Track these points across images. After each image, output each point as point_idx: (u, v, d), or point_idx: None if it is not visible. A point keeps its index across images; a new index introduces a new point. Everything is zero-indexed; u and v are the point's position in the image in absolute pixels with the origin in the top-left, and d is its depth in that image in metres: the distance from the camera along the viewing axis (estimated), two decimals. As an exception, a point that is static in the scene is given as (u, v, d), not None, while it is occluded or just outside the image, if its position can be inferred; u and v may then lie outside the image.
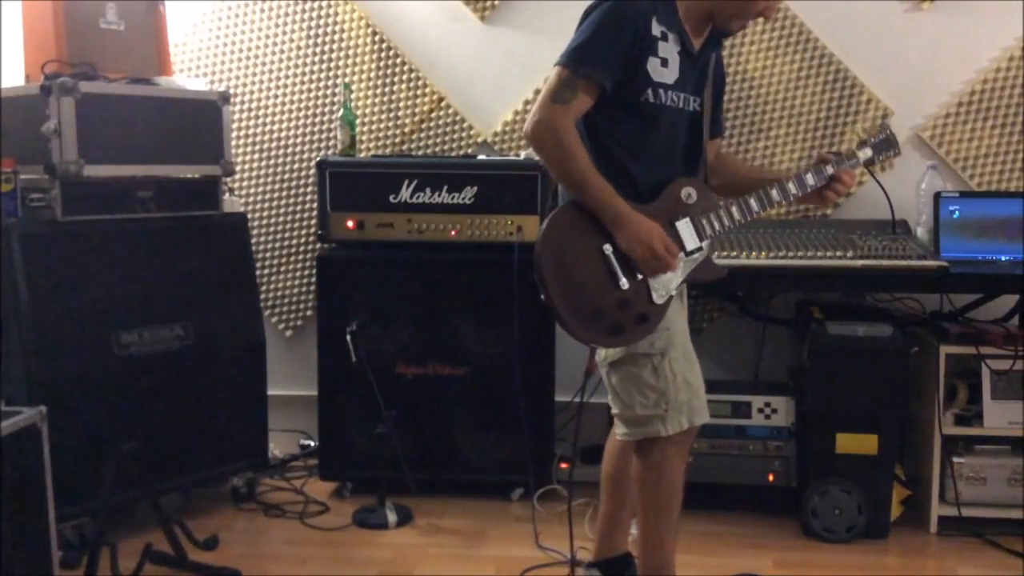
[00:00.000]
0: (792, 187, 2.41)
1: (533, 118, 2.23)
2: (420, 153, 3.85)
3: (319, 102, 3.89)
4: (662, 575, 2.46)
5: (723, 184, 2.52)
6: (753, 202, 2.39)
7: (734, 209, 2.36)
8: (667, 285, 2.29)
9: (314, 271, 3.77)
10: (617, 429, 2.43)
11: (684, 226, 2.32)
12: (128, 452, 2.77)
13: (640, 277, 2.26)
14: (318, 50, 3.87)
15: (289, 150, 3.93)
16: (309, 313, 3.98)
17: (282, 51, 3.89)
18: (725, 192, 2.50)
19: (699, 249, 2.34)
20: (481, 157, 3.67)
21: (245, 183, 3.95)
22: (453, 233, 3.42)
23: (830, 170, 2.43)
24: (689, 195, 2.33)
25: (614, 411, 2.44)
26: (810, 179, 2.42)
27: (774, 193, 2.40)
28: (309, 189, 3.92)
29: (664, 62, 2.26)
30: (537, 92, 3.71)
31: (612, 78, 2.22)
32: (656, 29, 2.25)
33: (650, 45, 2.24)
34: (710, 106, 2.43)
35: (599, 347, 2.36)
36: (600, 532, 2.70)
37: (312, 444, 3.84)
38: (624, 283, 2.24)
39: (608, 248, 2.24)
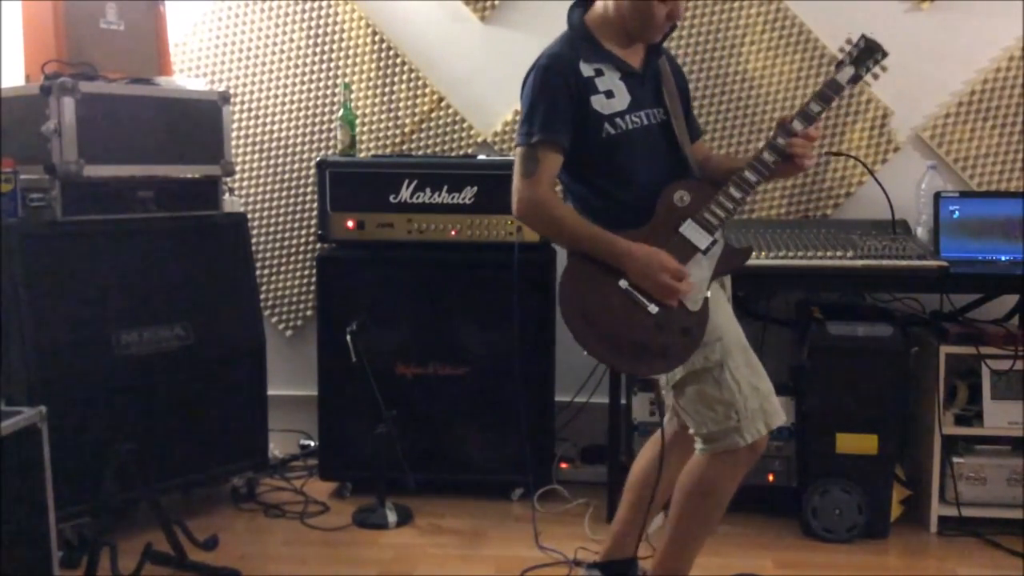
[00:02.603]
0: (780, 141, 2.32)
1: (513, 199, 2.33)
2: (420, 153, 3.85)
3: (319, 102, 3.89)
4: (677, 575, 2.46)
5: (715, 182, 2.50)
6: (749, 174, 2.34)
7: (733, 189, 2.33)
8: (697, 291, 2.29)
9: (314, 271, 3.77)
10: (696, 444, 2.39)
11: (689, 228, 2.32)
12: (128, 452, 2.77)
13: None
14: (318, 50, 3.87)
15: (289, 150, 3.93)
16: (309, 313, 3.98)
17: (282, 51, 3.89)
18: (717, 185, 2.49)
19: (714, 242, 2.34)
20: (481, 157, 3.67)
21: (245, 183, 3.95)
22: (453, 233, 3.42)
23: (815, 108, 2.33)
24: (682, 198, 2.34)
25: (691, 431, 2.41)
26: (797, 125, 2.33)
27: (766, 155, 2.33)
28: (309, 189, 3.92)
29: (609, 94, 2.33)
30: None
31: (563, 134, 2.30)
32: (587, 70, 2.33)
33: (586, 87, 2.32)
34: (681, 112, 2.45)
35: (659, 375, 2.36)
36: (613, 534, 2.68)
37: (312, 444, 3.84)
38: (652, 308, 2.26)
39: (624, 283, 2.27)
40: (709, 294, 2.31)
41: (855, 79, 2.42)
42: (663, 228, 2.31)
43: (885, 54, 2.43)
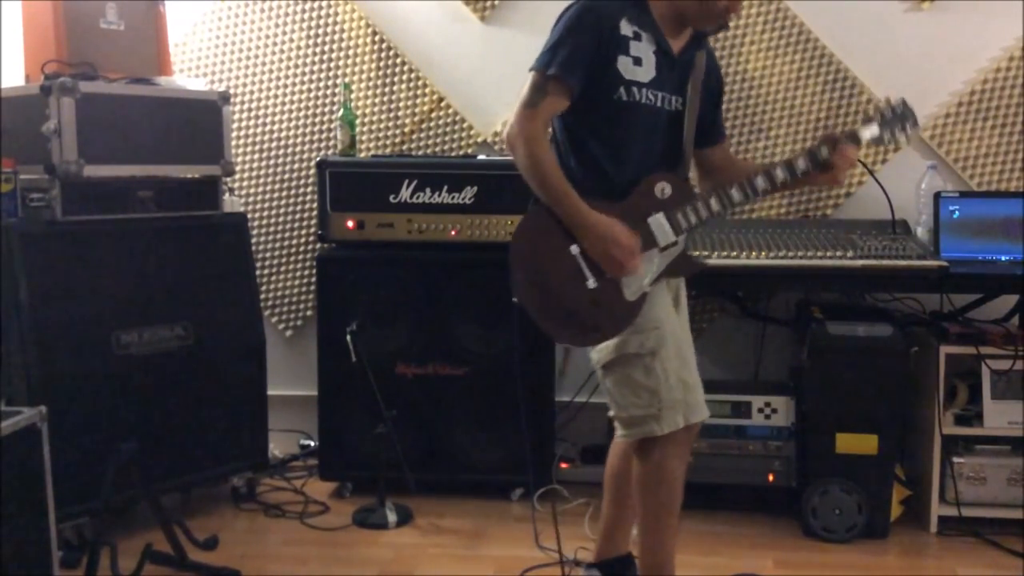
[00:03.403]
0: (780, 173, 2.35)
1: (509, 123, 2.30)
2: (420, 153, 3.85)
3: (319, 102, 3.89)
4: (662, 575, 2.46)
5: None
6: (735, 192, 2.35)
7: (712, 200, 2.34)
8: (638, 282, 2.30)
9: (314, 271, 3.77)
10: (617, 431, 2.44)
11: (657, 221, 2.33)
12: (128, 452, 2.77)
13: (609, 276, 2.28)
14: (318, 50, 3.87)
15: (289, 150, 3.93)
16: (309, 313, 3.98)
17: (282, 51, 3.89)
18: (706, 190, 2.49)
19: (674, 243, 2.34)
20: (481, 157, 3.67)
21: (245, 183, 3.95)
22: (453, 233, 3.42)
23: (825, 152, 2.35)
24: (663, 190, 2.34)
25: (610, 412, 2.44)
26: (801, 164, 2.36)
27: (759, 181, 2.35)
28: (309, 189, 3.92)
29: (637, 61, 2.29)
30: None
31: (579, 79, 2.26)
32: (627, 29, 2.28)
33: (619, 44, 2.27)
34: (702, 108, 2.43)
35: (575, 346, 2.39)
36: (602, 532, 2.70)
37: (312, 444, 3.84)
38: (592, 283, 2.28)
39: (575, 249, 2.28)
40: (649, 290, 2.32)
41: (877, 141, 2.41)
42: (633, 212, 2.31)
43: (916, 124, 2.43)
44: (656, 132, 2.37)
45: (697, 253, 3.10)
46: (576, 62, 2.24)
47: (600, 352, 2.39)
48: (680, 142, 2.40)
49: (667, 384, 2.33)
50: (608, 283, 2.28)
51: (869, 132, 2.39)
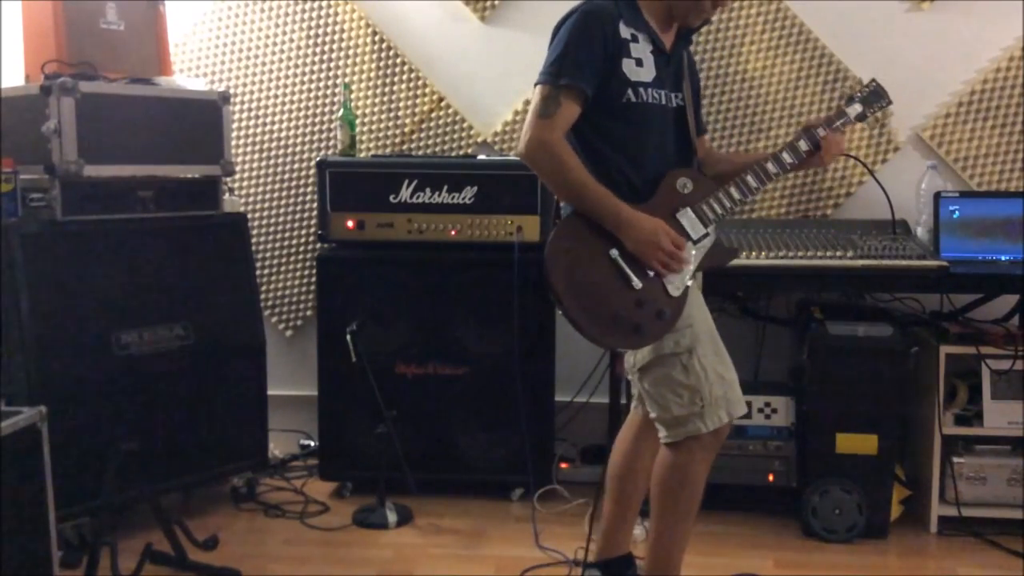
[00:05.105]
0: (787, 156, 2.41)
1: (524, 138, 2.29)
2: (420, 153, 3.85)
3: (319, 102, 3.89)
4: (669, 574, 2.46)
5: (716, 176, 2.52)
6: (751, 179, 2.39)
7: (733, 190, 2.38)
8: (682, 276, 2.31)
9: (314, 271, 3.77)
10: (659, 433, 2.41)
11: (686, 216, 2.34)
12: (128, 452, 2.77)
13: (652, 274, 2.28)
14: (318, 50, 3.87)
15: (289, 150, 3.93)
16: (309, 313, 3.98)
17: (282, 51, 3.89)
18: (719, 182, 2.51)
19: (706, 235, 2.36)
20: (481, 157, 3.67)
21: (245, 183, 3.95)
22: (453, 233, 3.42)
23: (821, 132, 2.41)
24: (685, 185, 2.35)
25: (652, 415, 2.42)
26: (803, 144, 2.42)
27: (770, 166, 2.40)
28: (309, 189, 3.92)
29: (639, 62, 2.32)
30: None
31: (591, 84, 2.27)
32: (625, 32, 2.31)
33: (621, 48, 2.30)
34: (694, 103, 2.48)
35: (625, 349, 2.38)
36: (603, 532, 2.70)
37: (312, 444, 3.84)
38: (637, 283, 2.27)
39: (614, 252, 2.27)
40: (690, 283, 2.33)
41: (861, 117, 2.50)
42: (660, 210, 2.31)
43: (890, 102, 2.52)
44: (666, 130, 2.39)
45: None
46: (586, 68, 2.26)
47: (636, 355, 2.39)
48: (688, 137, 2.43)
49: (707, 381, 2.33)
50: (652, 282, 2.28)
51: (854, 110, 2.48)
